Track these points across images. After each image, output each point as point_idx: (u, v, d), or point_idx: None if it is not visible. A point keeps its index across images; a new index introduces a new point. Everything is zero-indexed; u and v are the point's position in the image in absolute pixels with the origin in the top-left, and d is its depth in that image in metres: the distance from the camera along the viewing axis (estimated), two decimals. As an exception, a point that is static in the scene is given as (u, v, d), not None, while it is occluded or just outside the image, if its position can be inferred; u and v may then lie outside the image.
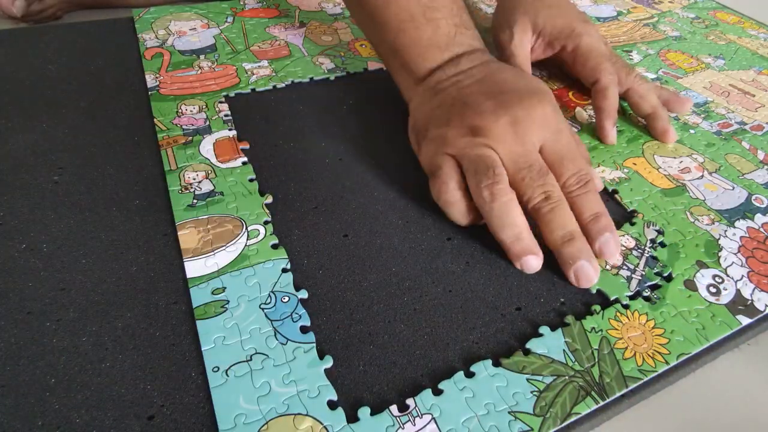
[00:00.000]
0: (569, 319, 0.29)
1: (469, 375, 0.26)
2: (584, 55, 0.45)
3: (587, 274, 0.30)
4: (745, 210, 0.37)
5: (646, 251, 0.33)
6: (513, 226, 0.31)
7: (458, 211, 0.33)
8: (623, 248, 0.33)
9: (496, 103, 0.34)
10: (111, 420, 0.24)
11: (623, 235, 0.34)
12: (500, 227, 0.31)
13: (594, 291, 0.31)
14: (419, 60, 0.38)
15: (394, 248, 0.33)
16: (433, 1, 0.38)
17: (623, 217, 0.36)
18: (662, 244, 0.34)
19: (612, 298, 0.31)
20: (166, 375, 0.26)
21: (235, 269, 0.30)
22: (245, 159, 0.38)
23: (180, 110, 0.42)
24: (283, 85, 0.47)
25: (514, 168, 0.32)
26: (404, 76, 0.40)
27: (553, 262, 0.32)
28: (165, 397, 0.25)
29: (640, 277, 0.32)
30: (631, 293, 0.31)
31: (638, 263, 0.33)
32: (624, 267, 0.32)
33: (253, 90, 0.46)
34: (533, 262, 0.31)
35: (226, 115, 0.42)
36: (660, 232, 0.35)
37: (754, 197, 0.38)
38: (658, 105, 0.44)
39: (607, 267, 0.32)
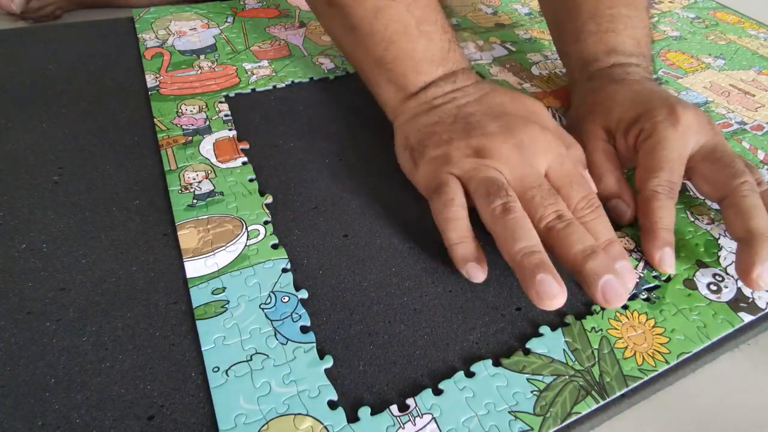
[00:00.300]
0: (569, 318, 0.29)
1: (470, 375, 0.26)
2: (647, 150, 0.34)
3: (615, 290, 0.27)
4: (746, 210, 0.37)
5: None
6: (529, 238, 0.28)
7: (457, 228, 0.30)
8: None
9: (501, 126, 0.33)
10: (111, 420, 0.24)
11: (623, 237, 0.34)
12: (514, 239, 0.28)
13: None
14: (412, 74, 0.37)
15: (394, 248, 0.33)
16: (426, 15, 0.37)
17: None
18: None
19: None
20: (166, 375, 0.26)
21: (235, 269, 0.30)
22: (245, 159, 0.38)
23: (180, 110, 0.42)
24: (283, 85, 0.47)
25: (522, 189, 0.31)
26: (391, 92, 0.38)
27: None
28: (165, 397, 0.25)
29: (638, 279, 0.32)
30: (631, 300, 0.31)
31: (637, 265, 0.33)
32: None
33: (253, 90, 0.46)
34: (553, 287, 0.27)
35: (226, 115, 0.42)
36: None
37: (754, 197, 0.38)
38: (759, 231, 0.30)
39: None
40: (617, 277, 0.27)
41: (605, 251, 0.29)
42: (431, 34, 0.37)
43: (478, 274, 0.30)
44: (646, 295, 0.31)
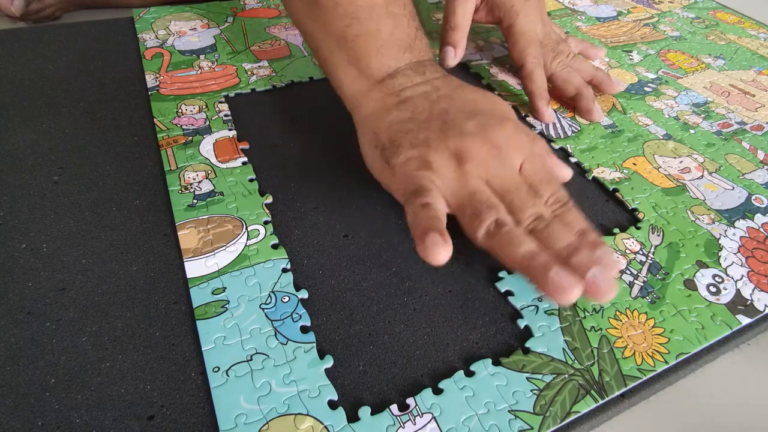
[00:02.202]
0: (569, 317, 0.29)
1: (469, 374, 0.26)
2: (515, 36, 0.46)
3: (607, 281, 0.26)
4: (745, 210, 0.37)
5: (649, 257, 0.33)
6: (528, 242, 0.28)
7: (435, 241, 0.27)
8: (628, 252, 0.33)
9: (477, 125, 0.31)
10: (111, 420, 0.24)
11: (628, 238, 0.34)
12: (515, 247, 0.27)
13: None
14: (376, 56, 0.33)
15: (394, 248, 0.33)
16: None
17: (627, 220, 0.36)
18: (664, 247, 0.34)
19: (612, 303, 0.30)
20: (166, 375, 0.26)
21: (235, 269, 0.30)
22: (245, 159, 0.38)
23: (180, 110, 0.42)
24: (283, 85, 0.47)
25: (502, 191, 0.30)
26: (352, 76, 0.35)
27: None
28: (165, 397, 0.25)
29: (642, 284, 0.32)
30: (632, 300, 0.31)
31: (641, 269, 0.33)
32: (627, 272, 0.32)
33: (253, 90, 0.46)
34: (569, 279, 0.26)
35: (226, 115, 0.42)
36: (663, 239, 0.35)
37: (754, 197, 0.38)
38: (581, 85, 0.45)
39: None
40: (602, 269, 0.26)
41: (583, 240, 0.28)
42: (399, 17, 0.34)
43: (441, 252, 0.27)
44: (648, 299, 0.31)
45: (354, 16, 0.33)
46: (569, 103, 0.47)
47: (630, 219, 0.36)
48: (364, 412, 0.25)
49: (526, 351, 0.28)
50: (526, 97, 0.47)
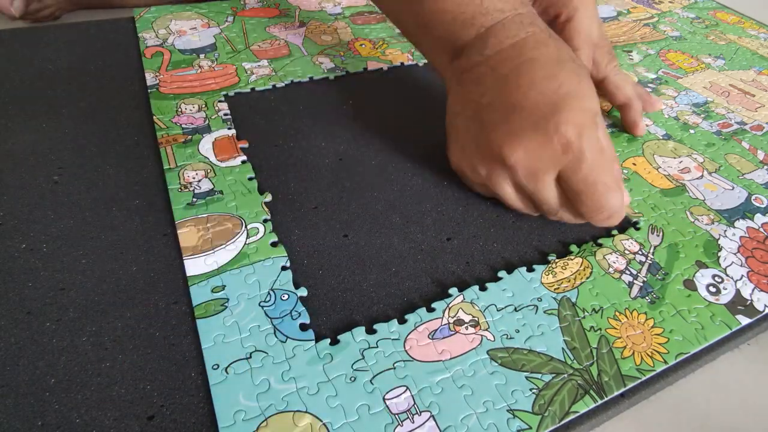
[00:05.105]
0: (568, 317, 0.29)
1: (468, 372, 0.26)
2: (570, 32, 0.42)
3: None
4: (745, 210, 0.37)
5: (649, 257, 0.33)
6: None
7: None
8: (627, 252, 0.33)
9: (508, 133, 0.31)
10: (111, 420, 0.24)
11: (627, 239, 0.34)
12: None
13: (594, 294, 0.31)
14: (453, 27, 0.33)
15: (394, 248, 0.33)
16: None
17: (626, 220, 0.36)
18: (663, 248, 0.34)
19: (611, 303, 0.30)
20: (166, 375, 0.26)
21: (234, 267, 0.30)
22: (244, 158, 0.38)
23: (179, 109, 0.42)
24: (283, 84, 0.47)
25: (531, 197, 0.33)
26: (438, 52, 0.36)
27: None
28: (165, 397, 0.25)
29: (641, 284, 0.32)
30: (631, 300, 0.31)
31: (640, 269, 0.33)
32: (626, 272, 0.32)
33: (253, 89, 0.46)
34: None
35: (225, 114, 0.42)
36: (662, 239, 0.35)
37: (753, 197, 0.39)
38: (632, 97, 0.43)
39: (610, 270, 0.32)
40: None
41: None
42: None
43: None
44: (648, 299, 0.31)
45: None
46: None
47: (629, 219, 0.36)
48: (363, 409, 0.25)
49: (526, 350, 0.28)
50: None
